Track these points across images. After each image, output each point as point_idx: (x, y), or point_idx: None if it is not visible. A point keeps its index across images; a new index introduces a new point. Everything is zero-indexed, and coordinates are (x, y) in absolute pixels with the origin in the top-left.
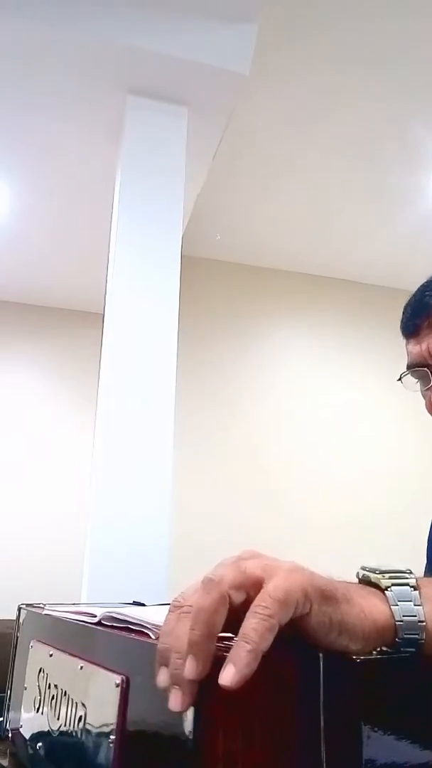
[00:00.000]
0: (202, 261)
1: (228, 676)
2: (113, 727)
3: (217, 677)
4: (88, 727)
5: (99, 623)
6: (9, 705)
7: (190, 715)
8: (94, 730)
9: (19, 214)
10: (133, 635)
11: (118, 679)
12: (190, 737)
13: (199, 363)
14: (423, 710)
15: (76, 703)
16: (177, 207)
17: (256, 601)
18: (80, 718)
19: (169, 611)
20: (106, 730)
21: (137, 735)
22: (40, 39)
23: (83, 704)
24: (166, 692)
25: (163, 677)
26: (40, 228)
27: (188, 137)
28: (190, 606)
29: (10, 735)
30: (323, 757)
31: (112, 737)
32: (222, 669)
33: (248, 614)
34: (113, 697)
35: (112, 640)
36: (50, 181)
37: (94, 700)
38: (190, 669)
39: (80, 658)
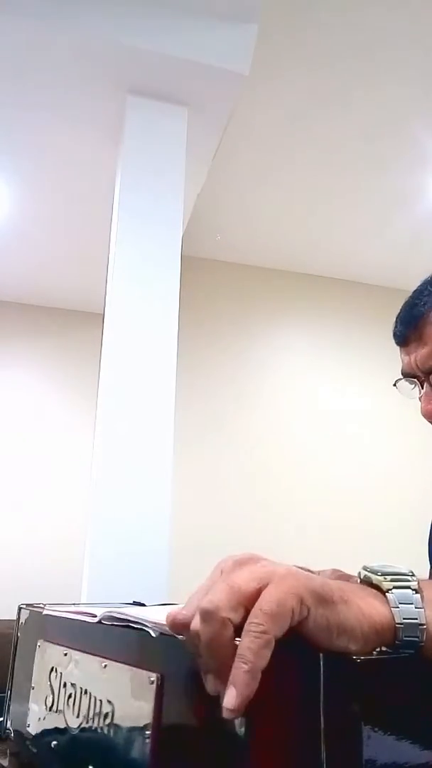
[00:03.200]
0: (202, 261)
1: (230, 701)
2: (148, 722)
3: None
4: (117, 723)
5: (101, 622)
6: (9, 705)
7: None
8: (126, 727)
9: (19, 214)
10: (152, 635)
11: (153, 676)
12: (244, 730)
13: (199, 363)
14: (423, 710)
15: (101, 700)
16: (177, 207)
17: (249, 619)
18: (107, 714)
19: (178, 627)
20: (140, 726)
21: (171, 730)
22: (40, 39)
23: (109, 701)
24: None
25: (211, 685)
26: (40, 228)
27: (188, 137)
28: (195, 632)
29: (12, 735)
30: (323, 757)
31: (148, 732)
32: (225, 693)
33: (243, 633)
34: (149, 694)
35: (140, 639)
36: (50, 181)
37: (124, 697)
38: (228, 701)
39: (102, 656)
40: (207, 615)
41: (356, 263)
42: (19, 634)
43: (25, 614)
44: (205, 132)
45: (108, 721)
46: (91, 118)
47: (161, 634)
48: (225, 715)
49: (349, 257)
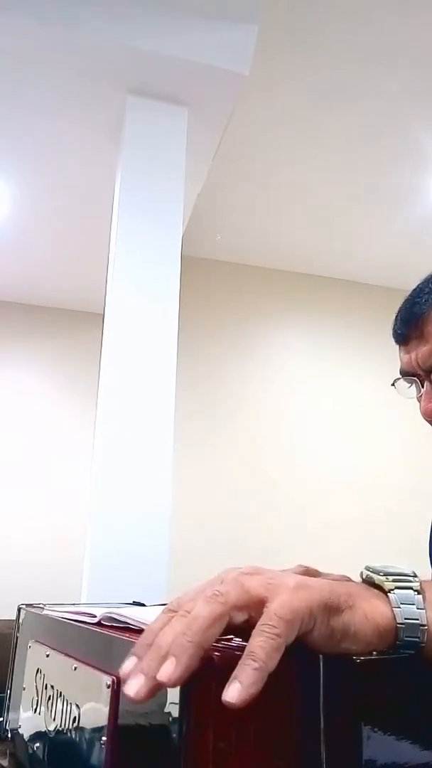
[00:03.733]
0: (202, 261)
1: (233, 694)
2: (104, 727)
3: (208, 677)
4: (81, 727)
5: (98, 623)
6: (9, 705)
7: (175, 713)
8: (87, 731)
9: (19, 214)
10: (124, 635)
11: (109, 679)
12: (180, 737)
13: (199, 363)
14: (423, 710)
15: (71, 703)
16: (177, 207)
17: (262, 620)
18: (74, 718)
19: (162, 612)
20: (98, 730)
21: (129, 735)
22: (40, 39)
23: (77, 705)
24: (124, 681)
25: (128, 665)
26: (40, 228)
27: (188, 137)
28: (185, 612)
29: (9, 735)
30: (323, 757)
31: (104, 738)
32: (227, 685)
33: (255, 632)
34: (104, 697)
35: (103, 640)
36: (50, 181)
37: (87, 701)
38: (166, 671)
39: (74, 658)
40: (215, 598)
41: (356, 263)
42: (18, 635)
43: (23, 614)
44: (205, 132)
45: (75, 725)
46: (91, 118)
47: (118, 636)
48: (225, 698)
49: (349, 257)
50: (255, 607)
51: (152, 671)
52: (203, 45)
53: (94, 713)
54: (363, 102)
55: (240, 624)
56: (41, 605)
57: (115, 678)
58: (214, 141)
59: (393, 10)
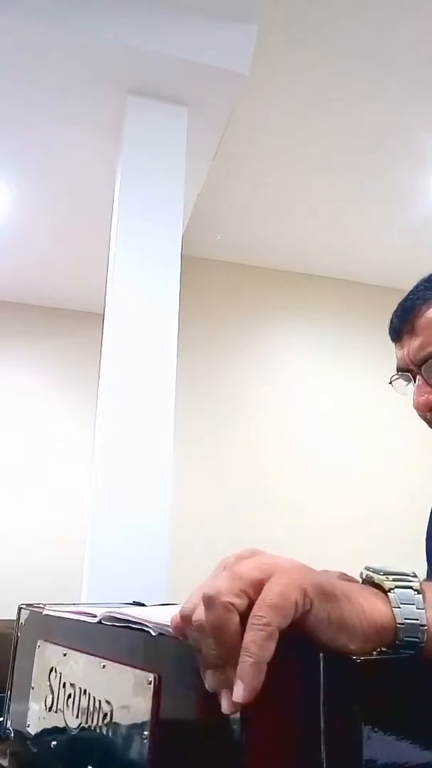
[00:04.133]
0: (202, 261)
1: (238, 694)
2: (146, 722)
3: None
4: (116, 723)
5: (101, 622)
6: (9, 705)
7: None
8: (125, 727)
9: (19, 214)
10: (164, 633)
11: (150, 676)
12: (240, 732)
13: (198, 363)
14: (423, 710)
15: (99, 701)
16: (177, 207)
17: (252, 612)
18: (105, 715)
19: (181, 623)
20: (138, 726)
21: (169, 730)
22: (40, 39)
23: (108, 702)
24: (209, 694)
25: (211, 681)
26: (40, 228)
27: (188, 137)
28: (197, 622)
29: (12, 735)
30: (323, 757)
31: (146, 732)
32: (234, 686)
33: (247, 626)
34: (146, 693)
35: (138, 639)
36: (50, 181)
37: (122, 698)
38: (237, 694)
39: (101, 657)
40: (209, 600)
41: (356, 263)
42: (19, 634)
43: (25, 614)
44: (205, 132)
45: (107, 721)
46: (91, 118)
47: (160, 634)
48: (225, 709)
49: (349, 257)
50: (252, 588)
51: (228, 684)
52: (203, 45)
53: (133, 709)
54: (363, 102)
55: (247, 608)
56: (41, 605)
57: (156, 675)
58: (214, 141)
59: (393, 10)
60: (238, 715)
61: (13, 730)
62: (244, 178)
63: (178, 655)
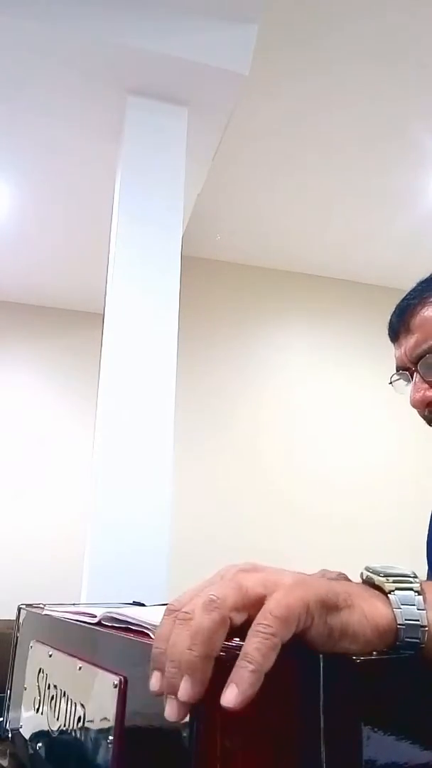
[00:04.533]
0: (202, 261)
1: (231, 698)
2: (111, 727)
3: (216, 679)
4: (87, 727)
5: (99, 623)
6: (9, 705)
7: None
8: (93, 731)
9: (19, 214)
10: (131, 635)
11: (116, 679)
12: (189, 737)
13: (199, 363)
14: (423, 710)
15: (75, 703)
16: (177, 207)
17: (257, 620)
18: (79, 718)
19: (165, 615)
20: (104, 730)
21: (135, 735)
22: (40, 39)
23: (82, 704)
24: (158, 696)
25: (156, 682)
26: (40, 228)
27: (188, 137)
28: (185, 612)
29: (10, 735)
30: (323, 757)
31: (111, 737)
32: (224, 689)
33: (250, 633)
34: (111, 697)
35: (110, 641)
36: (50, 181)
37: (93, 701)
38: (185, 690)
39: (79, 658)
40: (212, 604)
41: (356, 263)
42: (18, 635)
43: (23, 614)
44: (205, 132)
45: (80, 724)
46: (91, 118)
47: (130, 636)
48: (172, 716)
49: (349, 257)
50: (253, 605)
51: (175, 691)
52: (203, 45)
53: (101, 713)
54: (363, 102)
55: (242, 623)
56: (41, 605)
57: (122, 678)
58: (214, 141)
59: (393, 11)
60: (237, 715)
61: (11, 730)
62: (244, 178)
63: (146, 658)
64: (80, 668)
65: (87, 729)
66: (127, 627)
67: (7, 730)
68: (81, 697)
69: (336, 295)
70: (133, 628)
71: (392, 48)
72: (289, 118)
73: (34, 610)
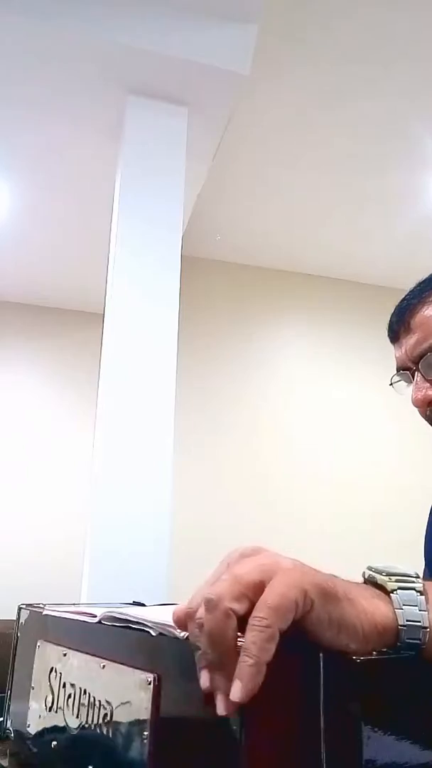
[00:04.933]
0: (202, 261)
1: (236, 693)
2: (146, 723)
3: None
4: (116, 724)
5: (101, 622)
6: (9, 705)
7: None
8: (125, 727)
9: (19, 214)
10: (164, 632)
11: (150, 677)
12: (237, 733)
13: (198, 363)
14: (423, 710)
15: (99, 701)
16: (177, 207)
17: (253, 613)
18: (105, 716)
19: (184, 619)
20: (138, 726)
21: (169, 731)
22: (40, 39)
23: (108, 702)
24: (208, 692)
25: (205, 680)
26: (40, 228)
27: (188, 137)
28: (199, 620)
29: (12, 735)
30: (323, 757)
31: (146, 733)
32: (232, 685)
33: (247, 627)
34: (146, 694)
35: (137, 639)
36: (50, 181)
37: (122, 698)
38: (234, 693)
39: (100, 657)
40: (210, 605)
41: (356, 263)
42: (18, 634)
43: (24, 614)
44: (205, 132)
45: (107, 720)
46: (91, 118)
47: (160, 634)
48: (220, 711)
49: (349, 257)
50: (253, 592)
51: (221, 686)
52: (203, 45)
53: (132, 710)
54: (363, 102)
55: (248, 612)
56: (41, 605)
57: (156, 675)
58: (214, 141)
59: (393, 10)
60: (237, 714)
61: (13, 730)
62: (244, 178)
63: (177, 655)
64: (103, 666)
65: (117, 725)
66: (127, 626)
67: (8, 730)
68: (106, 695)
69: (336, 295)
70: (134, 627)
71: (392, 48)
72: (289, 118)
73: (34, 610)
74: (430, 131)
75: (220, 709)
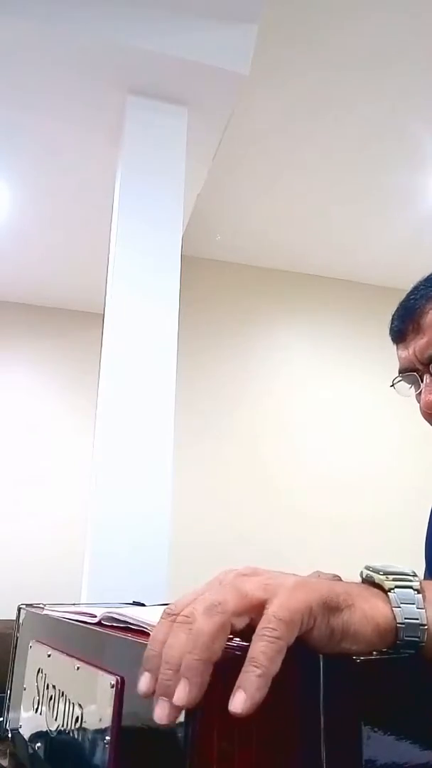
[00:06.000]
0: (202, 261)
1: (239, 704)
2: (108, 727)
3: (215, 681)
4: (84, 727)
5: (98, 623)
6: (9, 705)
7: (184, 716)
8: (91, 731)
9: (19, 214)
10: (128, 635)
11: (113, 679)
12: (185, 738)
13: (198, 363)
14: (423, 710)
15: (73, 703)
16: (177, 207)
17: (262, 623)
18: (77, 718)
19: (162, 618)
20: (101, 730)
21: (132, 736)
22: (40, 39)
23: (80, 705)
24: (146, 698)
25: (145, 683)
26: (40, 228)
27: (188, 137)
28: (185, 617)
29: (10, 735)
30: (323, 757)
31: (107, 738)
32: (232, 695)
33: (255, 637)
34: (108, 697)
35: (108, 641)
36: (50, 181)
37: (90, 701)
38: (181, 695)
39: (77, 658)
40: (214, 609)
41: (356, 263)
42: (18, 635)
43: (23, 614)
44: (205, 132)
45: (77, 725)
46: (91, 118)
47: (129, 638)
48: (162, 718)
49: (349, 257)
50: (255, 610)
51: (170, 693)
52: (203, 45)
53: (98, 713)
54: (363, 102)
55: (242, 628)
56: (41, 605)
57: (119, 678)
58: (214, 141)
59: (393, 11)
60: (235, 716)
61: (11, 730)
62: (244, 178)
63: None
64: (78, 668)
65: (84, 729)
66: (126, 627)
67: (8, 730)
68: (79, 698)
69: (336, 295)
70: (133, 628)
71: (392, 48)
72: (289, 118)
73: (34, 610)
74: (430, 131)
75: (161, 716)
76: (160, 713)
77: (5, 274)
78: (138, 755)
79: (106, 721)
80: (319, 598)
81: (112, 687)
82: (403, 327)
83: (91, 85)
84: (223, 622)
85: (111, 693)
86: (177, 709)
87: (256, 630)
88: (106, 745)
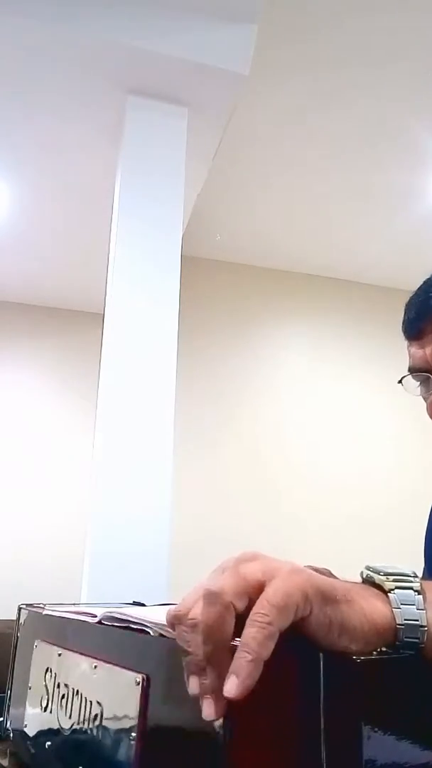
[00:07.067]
0: (202, 261)
1: (231, 688)
2: (134, 724)
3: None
4: (105, 725)
5: (101, 622)
6: (9, 705)
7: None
8: (113, 728)
9: (19, 213)
10: (151, 635)
11: (138, 677)
12: (221, 736)
13: (198, 363)
14: (423, 710)
15: (91, 701)
16: (177, 207)
17: (254, 609)
18: (96, 716)
19: (173, 621)
20: (126, 727)
21: (158, 732)
22: (40, 39)
23: (99, 703)
24: (197, 698)
25: (194, 685)
26: (40, 228)
27: (188, 137)
28: (191, 620)
29: (11, 735)
30: (323, 757)
31: (133, 734)
32: (226, 680)
33: (247, 622)
34: (134, 695)
35: (129, 640)
36: (50, 181)
37: (112, 699)
38: (230, 688)
39: (93, 657)
40: (212, 597)
41: (356, 263)
42: (18, 634)
43: (24, 614)
44: (205, 132)
45: (97, 722)
46: (91, 118)
47: (160, 635)
48: (208, 715)
49: (349, 257)
50: (254, 590)
51: (209, 689)
52: (203, 45)
53: (121, 710)
54: (363, 102)
55: (245, 610)
56: (41, 605)
57: (144, 676)
58: (214, 141)
59: (393, 11)
60: (235, 716)
61: (12, 730)
62: (244, 178)
63: (167, 655)
64: (95, 666)
65: (106, 727)
66: (127, 626)
67: (8, 730)
68: (97, 696)
69: (336, 295)
70: (134, 627)
71: (392, 48)
72: (289, 118)
73: (34, 610)
74: (430, 131)
75: (208, 713)
76: (207, 711)
77: (5, 274)
78: (163, 750)
79: (132, 718)
80: (315, 585)
81: (138, 684)
82: (421, 325)
83: (91, 85)
84: (224, 606)
85: (136, 690)
86: (222, 706)
87: (250, 614)
88: (132, 742)
